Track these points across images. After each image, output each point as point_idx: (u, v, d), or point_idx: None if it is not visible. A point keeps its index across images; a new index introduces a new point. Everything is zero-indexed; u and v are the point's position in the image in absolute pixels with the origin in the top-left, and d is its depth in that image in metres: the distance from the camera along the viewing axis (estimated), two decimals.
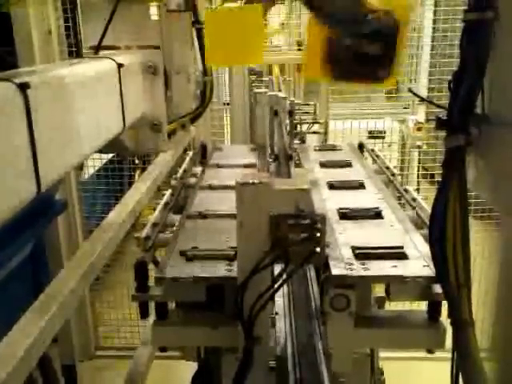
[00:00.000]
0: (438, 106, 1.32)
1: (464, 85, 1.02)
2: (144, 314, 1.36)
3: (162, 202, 1.79)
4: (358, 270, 1.23)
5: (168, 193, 1.88)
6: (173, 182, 1.99)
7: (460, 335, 1.05)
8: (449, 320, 1.10)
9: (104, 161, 3.63)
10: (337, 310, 1.21)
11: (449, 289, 1.07)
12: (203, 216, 1.63)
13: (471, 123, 1.05)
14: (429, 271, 1.22)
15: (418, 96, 3.28)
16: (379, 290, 1.46)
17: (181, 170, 2.15)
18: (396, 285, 1.26)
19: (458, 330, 1.06)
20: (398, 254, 1.31)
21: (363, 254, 1.30)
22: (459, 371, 1.09)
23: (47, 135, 1.18)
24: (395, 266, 1.25)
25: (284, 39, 4.30)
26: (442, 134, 1.09)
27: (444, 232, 1.05)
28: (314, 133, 2.83)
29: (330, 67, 1.33)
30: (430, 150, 4.15)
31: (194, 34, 2.45)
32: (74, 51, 2.94)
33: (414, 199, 1.74)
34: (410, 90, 3.74)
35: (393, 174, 2.00)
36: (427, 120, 4.21)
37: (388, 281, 1.27)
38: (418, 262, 1.27)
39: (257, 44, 1.52)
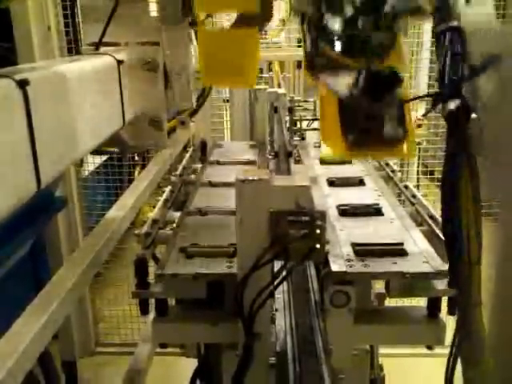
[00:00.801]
0: (437, 96, 1.32)
1: (451, 63, 1.04)
2: (144, 311, 1.37)
3: (162, 198, 1.79)
4: (358, 266, 1.23)
5: (168, 189, 1.87)
6: (172, 179, 1.99)
7: (468, 315, 1.03)
8: (449, 317, 1.10)
9: (104, 158, 3.63)
10: (336, 307, 1.21)
11: (460, 267, 1.03)
12: (203, 213, 1.63)
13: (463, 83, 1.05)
14: (428, 267, 1.23)
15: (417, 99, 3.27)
16: (379, 287, 1.46)
17: (180, 167, 2.15)
18: (396, 281, 1.26)
19: (466, 309, 1.03)
20: (398, 251, 1.31)
21: (363, 251, 1.30)
22: (455, 364, 1.08)
23: (47, 131, 1.18)
24: (395, 263, 1.25)
25: (284, 36, 4.29)
26: (442, 131, 1.08)
27: (457, 207, 1.02)
28: (314, 129, 2.82)
29: (346, 137, 1.29)
30: (430, 147, 4.14)
31: (193, 32, 2.44)
32: (74, 48, 2.93)
33: (414, 196, 1.74)
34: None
35: (393, 171, 2.00)
36: (424, 114, 4.18)
37: (388, 277, 1.27)
38: (418, 259, 1.27)
39: (251, 68, 1.49)
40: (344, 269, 1.21)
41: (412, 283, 1.26)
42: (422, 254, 1.29)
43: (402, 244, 1.33)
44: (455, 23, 1.07)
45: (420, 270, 1.22)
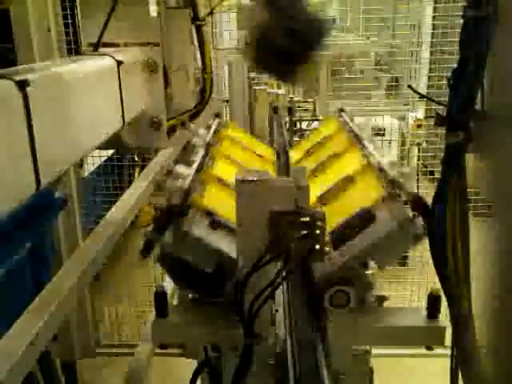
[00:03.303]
0: (438, 103, 1.32)
1: (463, 82, 1.02)
2: (146, 252, 1.29)
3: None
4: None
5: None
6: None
7: (460, 330, 1.06)
8: (448, 318, 1.10)
9: (104, 158, 3.63)
10: (337, 307, 1.21)
11: (448, 285, 1.08)
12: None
13: (471, 119, 1.05)
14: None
15: (417, 93, 3.28)
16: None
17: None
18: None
19: (458, 324, 1.06)
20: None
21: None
22: (458, 366, 1.09)
23: (46, 132, 1.18)
24: None
25: None
26: (442, 131, 1.09)
27: (444, 229, 1.05)
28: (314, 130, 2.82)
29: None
30: (430, 147, 4.14)
31: (194, 30, 2.44)
32: (74, 48, 2.93)
33: None
34: (409, 86, 3.75)
35: None
36: (426, 117, 4.20)
37: None
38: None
39: None
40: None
41: None
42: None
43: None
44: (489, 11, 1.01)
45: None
